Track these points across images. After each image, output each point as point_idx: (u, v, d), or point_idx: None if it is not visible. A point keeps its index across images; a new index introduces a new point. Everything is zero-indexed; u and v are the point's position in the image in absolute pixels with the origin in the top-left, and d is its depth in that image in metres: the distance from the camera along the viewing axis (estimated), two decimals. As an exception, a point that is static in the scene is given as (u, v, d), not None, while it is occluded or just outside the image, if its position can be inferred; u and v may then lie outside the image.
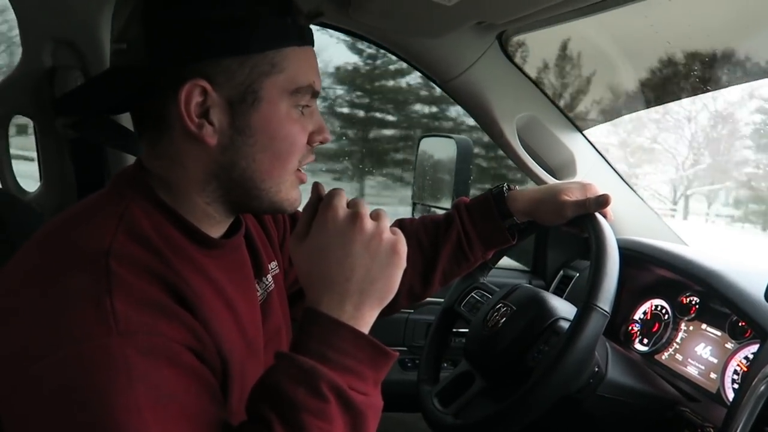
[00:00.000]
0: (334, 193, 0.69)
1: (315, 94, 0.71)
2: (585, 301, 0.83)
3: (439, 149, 1.69)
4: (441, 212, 1.65)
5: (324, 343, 0.61)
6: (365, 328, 0.64)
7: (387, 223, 0.67)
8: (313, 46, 0.72)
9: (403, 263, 0.67)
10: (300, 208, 0.75)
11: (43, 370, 0.53)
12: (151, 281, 0.59)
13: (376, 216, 0.68)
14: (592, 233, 0.92)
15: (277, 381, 0.59)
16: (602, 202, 0.95)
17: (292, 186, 0.73)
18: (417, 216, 1.76)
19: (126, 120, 1.19)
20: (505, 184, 1.02)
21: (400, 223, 1.07)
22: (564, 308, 0.97)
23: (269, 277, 0.86)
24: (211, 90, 0.64)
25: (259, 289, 0.83)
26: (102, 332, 0.54)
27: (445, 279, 1.03)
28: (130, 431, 0.51)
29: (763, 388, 0.80)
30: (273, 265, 0.89)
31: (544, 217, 0.99)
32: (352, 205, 0.67)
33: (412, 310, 1.52)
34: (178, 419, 0.54)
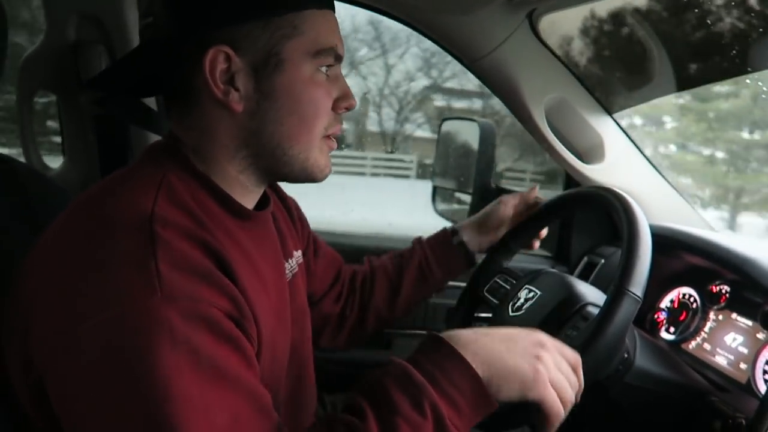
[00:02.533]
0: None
1: (338, 58, 0.71)
2: (617, 285, 0.81)
3: (462, 132, 1.67)
4: (463, 196, 1.65)
5: (439, 367, 0.63)
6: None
7: (565, 366, 0.69)
8: (333, 10, 0.72)
9: (528, 389, 0.66)
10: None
11: (89, 330, 0.54)
12: (193, 246, 0.60)
13: (562, 360, 0.69)
14: (624, 217, 0.89)
15: (386, 384, 0.62)
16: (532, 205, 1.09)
17: (321, 152, 0.73)
18: (438, 200, 1.75)
19: (148, 98, 1.19)
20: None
21: (369, 262, 1.12)
22: (592, 294, 0.95)
23: (294, 261, 0.87)
24: (234, 55, 0.65)
25: (287, 266, 0.84)
26: (147, 294, 0.55)
27: (409, 304, 1.10)
28: (171, 392, 0.52)
29: (800, 379, 0.77)
30: (298, 253, 0.91)
31: (485, 239, 1.11)
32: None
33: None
34: (217, 382, 0.55)
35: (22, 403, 0.62)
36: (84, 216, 0.63)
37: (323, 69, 0.70)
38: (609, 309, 0.81)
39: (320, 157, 0.73)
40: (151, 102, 1.17)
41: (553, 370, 0.67)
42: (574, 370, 0.70)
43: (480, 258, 1.14)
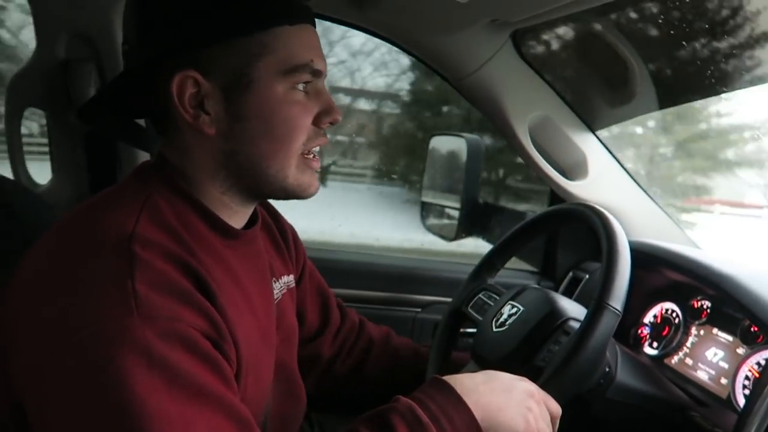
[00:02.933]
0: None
1: (316, 73, 0.70)
2: (597, 300, 0.83)
3: (450, 148, 1.69)
4: (451, 212, 1.67)
5: (443, 411, 0.66)
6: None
7: (548, 417, 0.75)
8: (311, 24, 0.71)
9: None
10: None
11: (66, 348, 0.55)
12: (173, 267, 0.60)
13: (546, 412, 0.75)
14: (603, 232, 0.91)
15: (392, 420, 0.64)
16: None
17: (300, 170, 0.72)
18: (427, 216, 1.77)
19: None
20: None
21: (389, 336, 1.12)
22: (574, 309, 0.96)
23: (283, 282, 0.88)
24: (202, 80, 0.65)
25: (275, 287, 0.84)
26: (123, 314, 0.55)
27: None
28: (147, 411, 0.52)
29: (775, 394, 0.79)
30: (288, 278, 0.90)
31: None
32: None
33: (420, 309, 1.52)
34: (195, 400, 0.56)
35: (3, 422, 0.62)
36: (67, 236, 0.64)
37: (300, 86, 0.69)
38: (589, 323, 0.82)
39: (301, 176, 0.72)
40: (141, 119, 1.18)
41: (539, 421, 0.72)
42: (553, 421, 0.76)
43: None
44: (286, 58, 0.67)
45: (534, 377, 0.85)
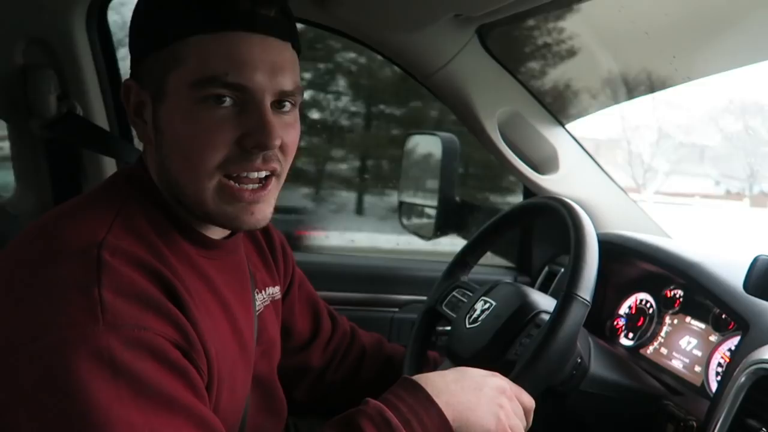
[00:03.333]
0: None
1: (234, 87, 0.62)
2: (565, 291, 0.83)
3: (425, 147, 1.68)
4: (428, 211, 1.66)
5: (414, 413, 0.65)
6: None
7: (521, 412, 0.75)
8: (248, 29, 0.63)
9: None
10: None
11: (29, 355, 0.53)
12: (143, 275, 0.59)
13: (518, 406, 0.74)
14: (570, 223, 0.91)
15: (360, 422, 0.63)
16: None
17: (219, 197, 0.65)
18: (404, 215, 1.76)
19: (101, 120, 1.18)
20: None
21: (383, 344, 1.12)
22: (545, 302, 0.96)
23: (267, 294, 0.86)
24: (137, 89, 0.66)
25: (258, 299, 0.83)
26: (88, 322, 0.54)
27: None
28: (111, 421, 0.51)
29: (743, 379, 0.79)
30: (274, 290, 0.89)
31: None
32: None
33: (397, 309, 1.51)
34: (162, 409, 0.54)
35: None
36: (34, 243, 0.62)
37: (226, 101, 0.63)
38: (558, 314, 0.82)
39: (224, 205, 0.65)
40: (102, 121, 1.16)
41: (512, 417, 0.72)
42: (527, 414, 0.75)
43: None
44: (196, 69, 0.62)
45: (507, 371, 0.84)
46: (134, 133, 0.88)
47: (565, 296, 0.82)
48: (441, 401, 0.67)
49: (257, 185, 0.66)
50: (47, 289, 0.56)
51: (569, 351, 0.88)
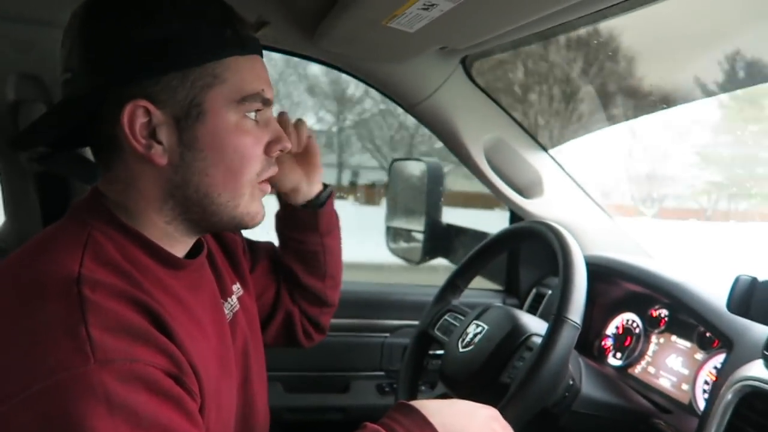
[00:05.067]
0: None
1: (266, 102, 0.71)
2: (556, 315, 0.85)
3: (411, 172, 1.71)
4: (415, 235, 1.69)
5: None
6: None
7: None
8: (260, 55, 0.72)
9: None
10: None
11: (22, 404, 0.52)
12: (126, 306, 0.59)
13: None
14: (558, 247, 0.93)
15: None
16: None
17: (252, 199, 0.72)
18: (391, 240, 1.78)
19: (91, 152, 1.18)
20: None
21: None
22: (536, 325, 0.98)
23: (234, 298, 0.86)
24: (154, 109, 0.64)
25: (225, 309, 0.82)
26: (79, 362, 0.53)
27: (319, 273, 1.02)
28: None
29: (730, 396, 0.81)
30: (236, 287, 0.89)
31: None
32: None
33: (388, 334, 1.51)
34: None
35: None
36: (7, 283, 0.61)
37: (251, 115, 0.69)
38: (550, 338, 0.84)
39: (251, 204, 0.72)
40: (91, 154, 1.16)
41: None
42: None
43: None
44: (238, 87, 0.67)
45: (501, 394, 0.86)
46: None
47: (556, 320, 0.85)
48: (436, 422, 0.68)
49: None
50: (33, 335, 0.55)
51: (561, 373, 0.90)
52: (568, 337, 0.84)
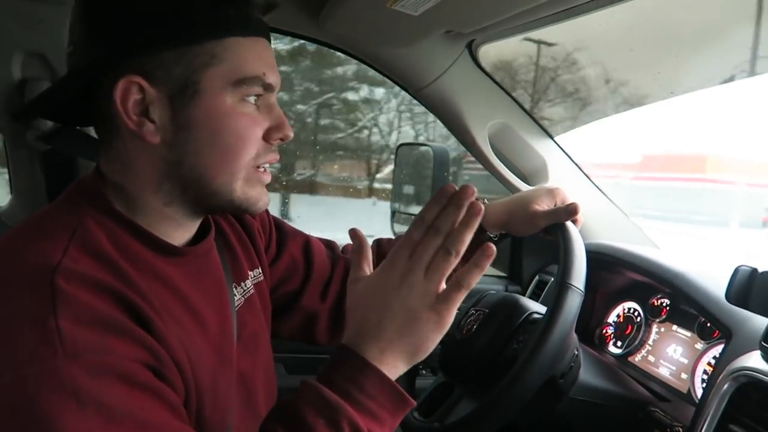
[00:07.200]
0: (397, 246, 0.65)
1: (268, 87, 0.68)
2: (560, 281, 0.85)
3: (417, 157, 1.71)
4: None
5: (351, 382, 0.61)
6: (392, 376, 0.63)
7: (440, 285, 0.63)
8: (266, 38, 0.70)
9: (443, 329, 0.63)
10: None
11: None
12: (102, 298, 0.58)
13: (434, 273, 0.63)
14: (562, 240, 0.93)
15: (299, 408, 0.60)
16: (572, 210, 0.94)
17: (249, 183, 0.69)
18: (396, 224, 1.78)
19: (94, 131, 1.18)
20: (483, 198, 1.02)
21: (377, 243, 1.06)
22: (535, 306, 0.99)
23: (249, 282, 0.84)
24: (147, 86, 0.63)
25: (236, 293, 0.81)
26: (48, 355, 0.52)
27: None
28: None
29: (726, 386, 0.81)
30: (256, 272, 0.87)
31: (517, 228, 0.99)
32: (414, 260, 0.63)
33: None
34: None
35: None
36: None
37: (251, 99, 0.67)
38: (556, 302, 0.84)
39: (249, 189, 0.69)
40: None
41: (450, 315, 0.63)
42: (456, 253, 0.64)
43: None
44: (236, 68, 0.65)
45: (504, 370, 0.85)
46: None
47: (561, 285, 0.84)
48: (375, 358, 0.62)
49: (266, 169, 0.72)
50: (4, 324, 0.54)
51: (568, 340, 0.89)
52: (573, 302, 0.84)
